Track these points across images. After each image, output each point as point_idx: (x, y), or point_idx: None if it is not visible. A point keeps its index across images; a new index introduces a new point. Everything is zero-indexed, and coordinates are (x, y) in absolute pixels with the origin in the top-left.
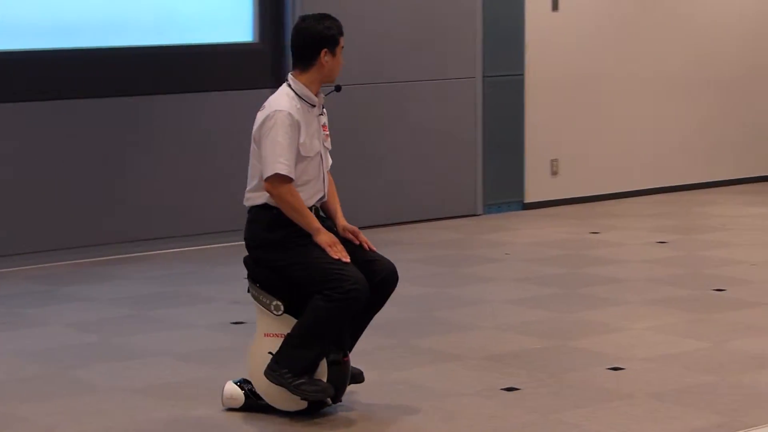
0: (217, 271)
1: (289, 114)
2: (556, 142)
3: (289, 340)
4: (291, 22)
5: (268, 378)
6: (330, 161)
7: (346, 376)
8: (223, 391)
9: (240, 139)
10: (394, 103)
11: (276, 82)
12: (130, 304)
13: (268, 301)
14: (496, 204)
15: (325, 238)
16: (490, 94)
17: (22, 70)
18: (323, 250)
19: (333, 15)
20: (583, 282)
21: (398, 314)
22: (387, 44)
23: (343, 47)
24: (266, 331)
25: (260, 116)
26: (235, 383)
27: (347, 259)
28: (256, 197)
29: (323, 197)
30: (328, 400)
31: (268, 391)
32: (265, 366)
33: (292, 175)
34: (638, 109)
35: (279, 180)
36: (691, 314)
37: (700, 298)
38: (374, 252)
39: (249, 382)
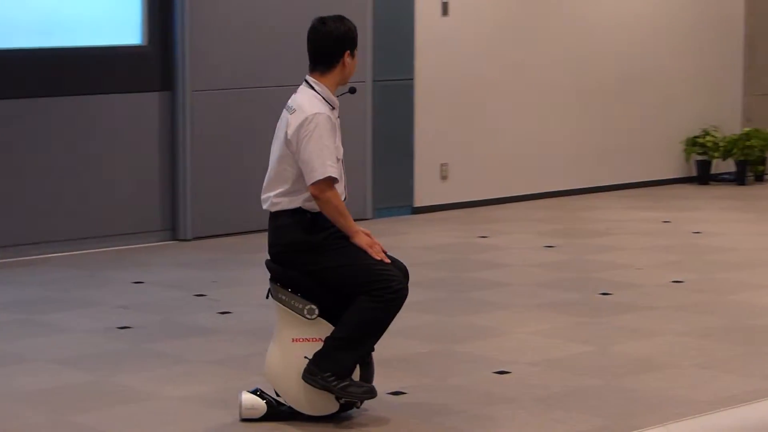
0: (105, 276)
1: (328, 117)
2: (445, 146)
3: (332, 343)
4: (179, 25)
5: (308, 382)
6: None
7: (372, 376)
8: (241, 401)
9: (129, 142)
10: (283, 107)
11: (164, 84)
12: (17, 308)
13: (300, 306)
14: (386, 208)
15: (365, 239)
16: (380, 98)
17: None
18: (365, 252)
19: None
20: (470, 286)
21: None
22: (276, 47)
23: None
24: (295, 336)
25: (294, 119)
26: (252, 393)
27: (388, 260)
28: (287, 201)
29: (345, 199)
30: (358, 402)
31: (298, 396)
32: (298, 371)
33: (339, 178)
34: (525, 114)
35: (327, 183)
36: (577, 318)
37: (586, 302)
38: (387, 253)
39: (264, 391)
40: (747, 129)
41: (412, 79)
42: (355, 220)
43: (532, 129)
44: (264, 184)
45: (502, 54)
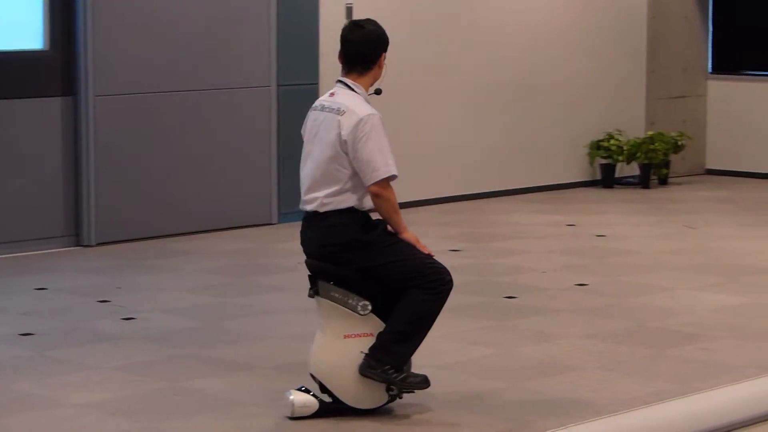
0: (7, 282)
1: (380, 117)
2: None
3: (390, 337)
4: (82, 29)
5: (368, 376)
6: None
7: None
8: (293, 401)
9: (31, 147)
10: (187, 112)
11: (66, 89)
12: None
13: (354, 302)
14: (291, 213)
15: (412, 235)
16: (284, 103)
17: None
18: (414, 247)
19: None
20: None
21: (187, 324)
22: (181, 52)
23: None
24: (347, 333)
25: (346, 121)
26: (300, 391)
27: (433, 254)
28: (339, 201)
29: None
30: (401, 394)
31: (351, 390)
32: (352, 366)
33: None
34: (431, 117)
35: (388, 182)
36: (482, 322)
37: (491, 306)
38: None
39: (308, 389)
40: (651, 132)
41: (317, 83)
42: (260, 225)
43: (438, 133)
44: (306, 184)
45: (407, 58)
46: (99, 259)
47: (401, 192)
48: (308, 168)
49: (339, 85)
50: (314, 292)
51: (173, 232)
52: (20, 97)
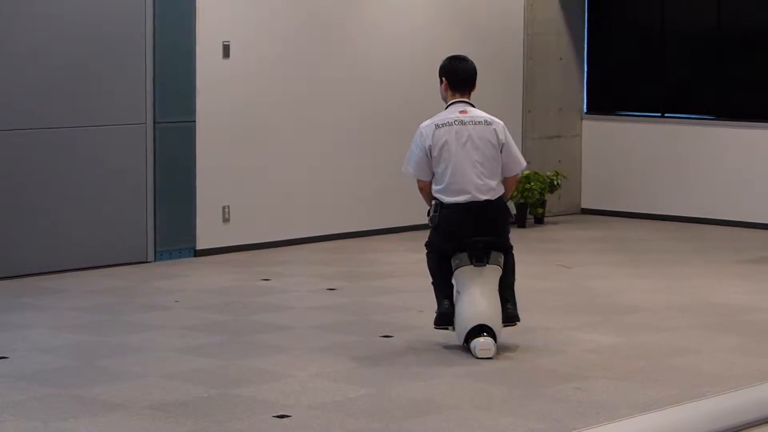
0: None
1: None
2: (227, 188)
3: (512, 286)
4: None
5: (516, 320)
6: None
7: None
8: (479, 345)
9: None
10: (60, 149)
11: None
12: None
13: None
14: (168, 251)
15: None
16: (161, 139)
17: None
18: None
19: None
20: (251, 329)
21: (59, 363)
22: (53, 87)
23: None
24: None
25: (498, 128)
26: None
27: None
28: (500, 189)
29: None
30: None
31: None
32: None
33: None
34: (306, 155)
35: None
36: (358, 361)
37: (367, 345)
38: None
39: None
40: (526, 172)
41: (193, 121)
42: (135, 263)
43: (313, 170)
44: (475, 181)
45: (285, 94)
46: None
47: (281, 229)
48: (469, 169)
49: (461, 104)
50: (487, 261)
51: (48, 269)
52: None
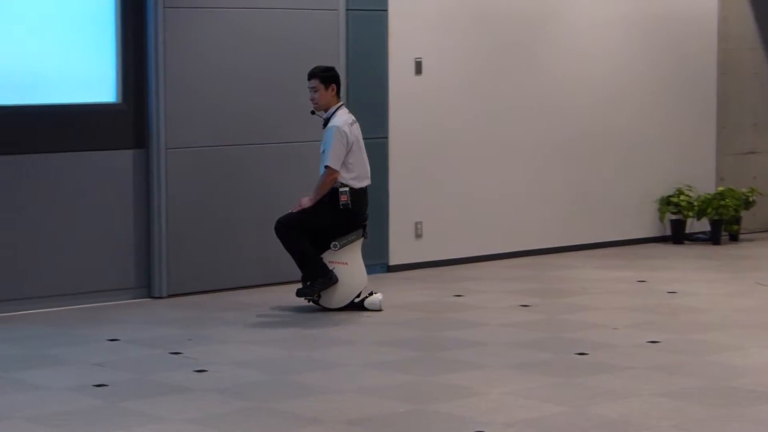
0: (80, 334)
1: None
2: (420, 204)
3: None
4: (154, 83)
5: None
6: (321, 164)
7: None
8: (378, 300)
9: (104, 199)
10: (257, 165)
11: (137, 142)
12: None
13: None
14: (373, 264)
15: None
16: None
17: None
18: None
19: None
20: (445, 345)
21: (256, 377)
22: (252, 106)
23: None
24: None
25: (358, 128)
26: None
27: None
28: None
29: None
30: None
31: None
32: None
33: None
34: (499, 172)
35: None
36: (552, 378)
37: (562, 362)
38: (287, 213)
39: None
40: (721, 188)
41: (386, 137)
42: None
43: (507, 187)
44: (368, 168)
45: (476, 113)
46: (170, 311)
47: (473, 246)
48: (365, 159)
49: (344, 107)
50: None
51: (242, 284)
52: (93, 150)
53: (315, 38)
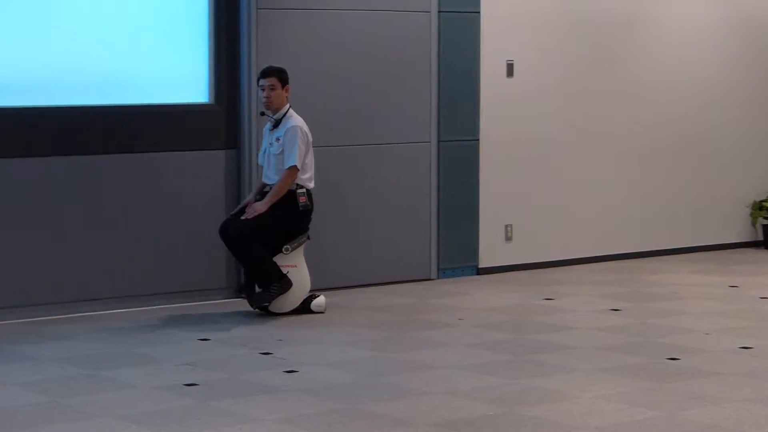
0: (170, 333)
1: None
2: (510, 207)
3: None
4: (246, 83)
5: None
6: (285, 164)
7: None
8: (323, 301)
9: (195, 199)
10: (349, 166)
11: (229, 142)
12: (81, 363)
13: None
14: (450, 269)
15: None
16: (445, 158)
17: None
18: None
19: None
20: (535, 348)
21: (346, 378)
22: (344, 107)
23: (260, 87)
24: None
25: None
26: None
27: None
28: None
29: (267, 182)
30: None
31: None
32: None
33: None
34: (590, 176)
35: None
36: (644, 383)
37: (653, 367)
38: (241, 219)
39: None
40: None
41: (477, 139)
42: (418, 280)
43: (597, 190)
44: (313, 171)
45: (567, 115)
46: (260, 311)
47: (562, 249)
48: (313, 160)
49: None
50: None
51: (333, 285)
52: (185, 150)
53: (407, 40)
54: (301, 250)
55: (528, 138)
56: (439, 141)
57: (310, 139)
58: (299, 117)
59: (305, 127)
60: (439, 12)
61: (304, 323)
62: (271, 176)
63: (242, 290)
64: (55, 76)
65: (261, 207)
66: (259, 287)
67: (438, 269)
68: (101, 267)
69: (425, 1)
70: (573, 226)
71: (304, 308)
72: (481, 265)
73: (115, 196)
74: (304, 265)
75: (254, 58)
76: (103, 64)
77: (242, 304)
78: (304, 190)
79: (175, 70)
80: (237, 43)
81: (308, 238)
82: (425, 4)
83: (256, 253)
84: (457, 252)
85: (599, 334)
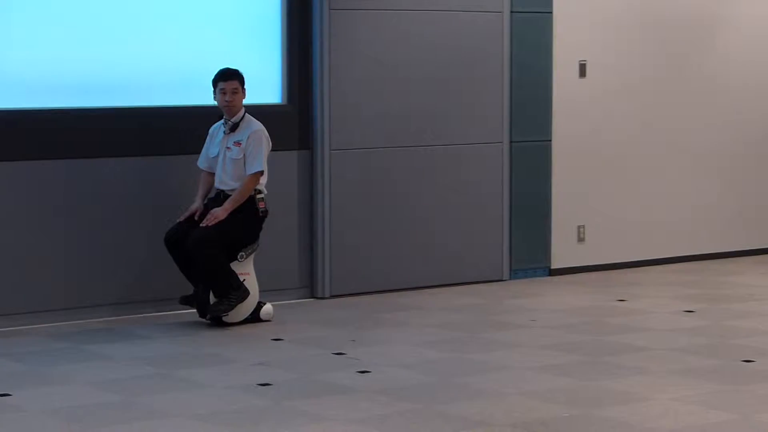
0: (244, 333)
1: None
2: (582, 208)
3: None
4: (319, 84)
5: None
6: (250, 169)
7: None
8: (271, 309)
9: (269, 200)
10: (421, 167)
11: (302, 143)
12: (153, 363)
13: None
14: (523, 269)
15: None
16: (517, 159)
17: (53, 128)
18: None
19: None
20: (609, 350)
21: (419, 378)
22: (416, 108)
23: (219, 90)
24: None
25: None
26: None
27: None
28: None
29: (223, 187)
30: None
31: None
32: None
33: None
34: (663, 176)
35: None
36: (719, 385)
37: (729, 369)
38: (201, 226)
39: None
40: None
41: (549, 140)
42: (490, 281)
43: (670, 192)
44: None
45: (640, 115)
46: (333, 312)
47: (635, 250)
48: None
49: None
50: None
51: (405, 286)
52: None
53: (479, 40)
54: (251, 258)
55: (600, 138)
56: (511, 141)
57: (270, 142)
58: (257, 120)
59: (266, 133)
60: (511, 12)
61: (376, 324)
62: (227, 181)
63: (187, 301)
64: (132, 78)
65: (221, 213)
66: (215, 296)
67: (510, 270)
68: (172, 267)
69: (497, 1)
70: (645, 227)
71: (253, 317)
72: (553, 266)
73: (182, 195)
74: (253, 272)
75: (327, 59)
76: (178, 66)
77: (315, 305)
78: (263, 195)
79: (249, 71)
80: (309, 43)
81: (258, 245)
82: (497, 5)
83: (221, 260)
84: (529, 253)
85: (673, 336)
